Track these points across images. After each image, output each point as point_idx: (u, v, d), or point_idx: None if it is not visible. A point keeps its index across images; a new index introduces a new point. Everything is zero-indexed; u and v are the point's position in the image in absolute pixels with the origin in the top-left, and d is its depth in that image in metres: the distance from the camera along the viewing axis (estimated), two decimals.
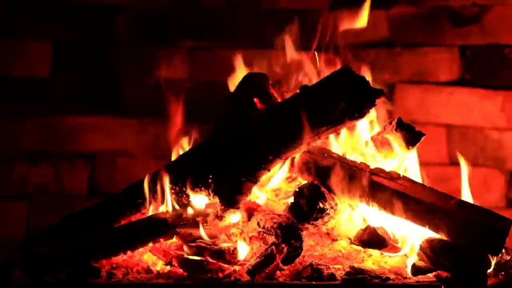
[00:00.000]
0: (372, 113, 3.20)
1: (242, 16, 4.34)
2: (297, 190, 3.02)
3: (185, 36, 4.35)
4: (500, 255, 2.96)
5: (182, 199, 3.03)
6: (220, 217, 3.00)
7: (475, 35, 4.35)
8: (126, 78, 4.37)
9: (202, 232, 2.94)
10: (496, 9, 4.35)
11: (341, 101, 2.98)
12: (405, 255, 3.03)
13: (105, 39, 4.36)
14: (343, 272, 2.91)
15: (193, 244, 2.94)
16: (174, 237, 2.97)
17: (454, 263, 2.88)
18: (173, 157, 3.26)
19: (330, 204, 3.01)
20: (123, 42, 4.36)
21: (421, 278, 2.92)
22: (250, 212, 3.14)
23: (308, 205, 2.98)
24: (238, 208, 3.04)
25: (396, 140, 3.14)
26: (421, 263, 2.93)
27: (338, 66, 3.23)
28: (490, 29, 4.34)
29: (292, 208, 3.01)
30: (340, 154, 3.21)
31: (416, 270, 2.93)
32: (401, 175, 3.10)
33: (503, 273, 2.96)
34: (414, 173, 3.20)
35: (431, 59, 4.37)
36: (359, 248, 3.05)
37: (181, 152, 3.25)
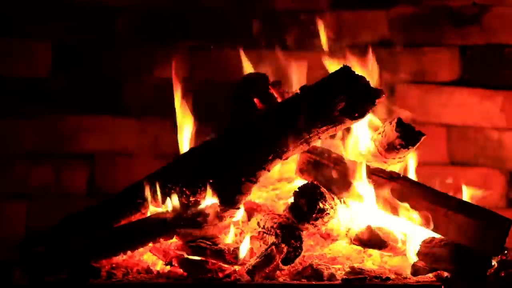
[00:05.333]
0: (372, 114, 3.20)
1: (242, 16, 4.33)
2: (297, 190, 3.02)
3: (185, 36, 4.35)
4: (500, 255, 2.96)
5: (182, 199, 3.03)
6: (220, 217, 3.00)
7: (475, 35, 4.35)
8: (126, 78, 4.37)
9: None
10: (496, 9, 4.35)
11: (341, 101, 2.98)
12: (405, 255, 3.03)
13: (105, 39, 4.36)
14: (343, 272, 2.91)
15: (193, 244, 2.94)
16: (174, 237, 2.97)
17: (454, 263, 2.88)
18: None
19: (330, 204, 3.01)
20: (123, 42, 4.36)
21: (421, 278, 2.92)
22: (250, 212, 3.14)
23: (308, 205, 2.98)
24: (238, 208, 3.04)
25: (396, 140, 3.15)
26: (421, 263, 2.93)
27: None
28: (490, 29, 4.34)
29: (292, 208, 3.01)
30: (340, 154, 3.21)
31: (416, 270, 2.93)
32: (401, 175, 3.10)
33: (503, 273, 2.95)
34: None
35: (431, 59, 4.36)
36: (359, 248, 3.05)
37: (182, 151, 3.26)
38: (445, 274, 2.90)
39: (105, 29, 4.36)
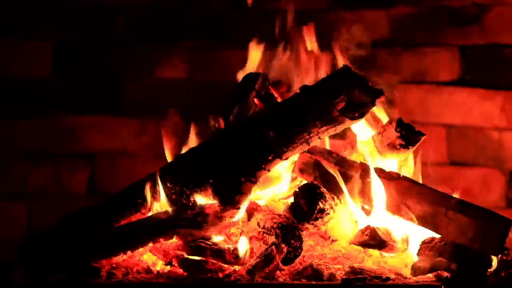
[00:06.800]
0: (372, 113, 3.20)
1: (242, 16, 4.34)
2: (297, 190, 3.02)
3: (185, 36, 4.35)
4: (500, 255, 2.96)
5: (182, 199, 3.03)
6: (220, 217, 3.00)
7: (475, 35, 4.35)
8: (126, 78, 4.37)
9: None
10: (496, 9, 4.35)
11: (341, 101, 2.98)
12: (405, 255, 3.03)
13: (105, 39, 4.36)
14: (343, 272, 2.91)
15: (193, 244, 2.94)
16: (174, 237, 2.97)
17: (454, 263, 2.88)
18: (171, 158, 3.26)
19: (330, 204, 3.01)
20: (123, 42, 4.36)
21: (421, 278, 2.92)
22: (250, 212, 3.14)
23: (308, 205, 2.98)
24: (238, 208, 3.03)
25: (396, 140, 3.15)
26: (421, 263, 2.93)
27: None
28: (490, 29, 4.34)
29: (292, 208, 3.01)
30: (340, 154, 3.21)
31: (416, 270, 2.93)
32: (401, 175, 3.10)
33: (503, 273, 2.95)
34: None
35: (431, 59, 4.36)
36: (359, 248, 3.05)
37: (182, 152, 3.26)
38: (445, 274, 2.90)
39: (105, 29, 4.36)
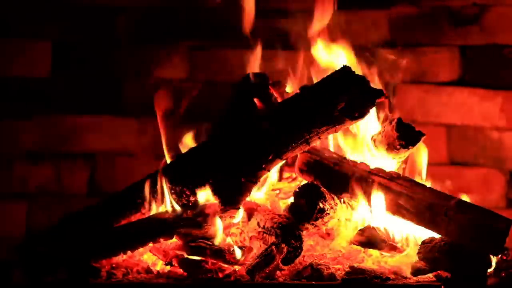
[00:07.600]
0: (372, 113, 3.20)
1: (242, 16, 4.33)
2: (297, 190, 3.02)
3: (185, 36, 4.35)
4: (500, 255, 2.96)
5: (182, 199, 3.03)
6: (220, 217, 3.00)
7: (475, 35, 4.35)
8: (126, 78, 4.37)
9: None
10: (496, 9, 4.35)
11: (341, 101, 2.98)
12: (405, 255, 3.03)
13: (105, 39, 4.36)
14: (343, 272, 2.91)
15: (193, 244, 2.94)
16: (174, 237, 2.97)
17: (455, 263, 2.88)
18: (169, 159, 3.26)
19: (330, 204, 3.01)
20: (123, 42, 4.36)
21: (421, 278, 2.92)
22: (250, 212, 3.14)
23: (308, 205, 2.98)
24: (238, 208, 3.04)
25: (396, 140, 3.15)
26: (421, 263, 2.93)
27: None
28: (490, 29, 4.34)
29: (292, 208, 3.01)
30: (340, 154, 3.21)
31: (416, 270, 2.93)
32: (401, 175, 3.10)
33: (503, 273, 2.95)
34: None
35: (431, 59, 4.36)
36: (359, 248, 3.05)
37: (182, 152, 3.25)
38: (445, 274, 2.90)
39: (105, 29, 4.36)
